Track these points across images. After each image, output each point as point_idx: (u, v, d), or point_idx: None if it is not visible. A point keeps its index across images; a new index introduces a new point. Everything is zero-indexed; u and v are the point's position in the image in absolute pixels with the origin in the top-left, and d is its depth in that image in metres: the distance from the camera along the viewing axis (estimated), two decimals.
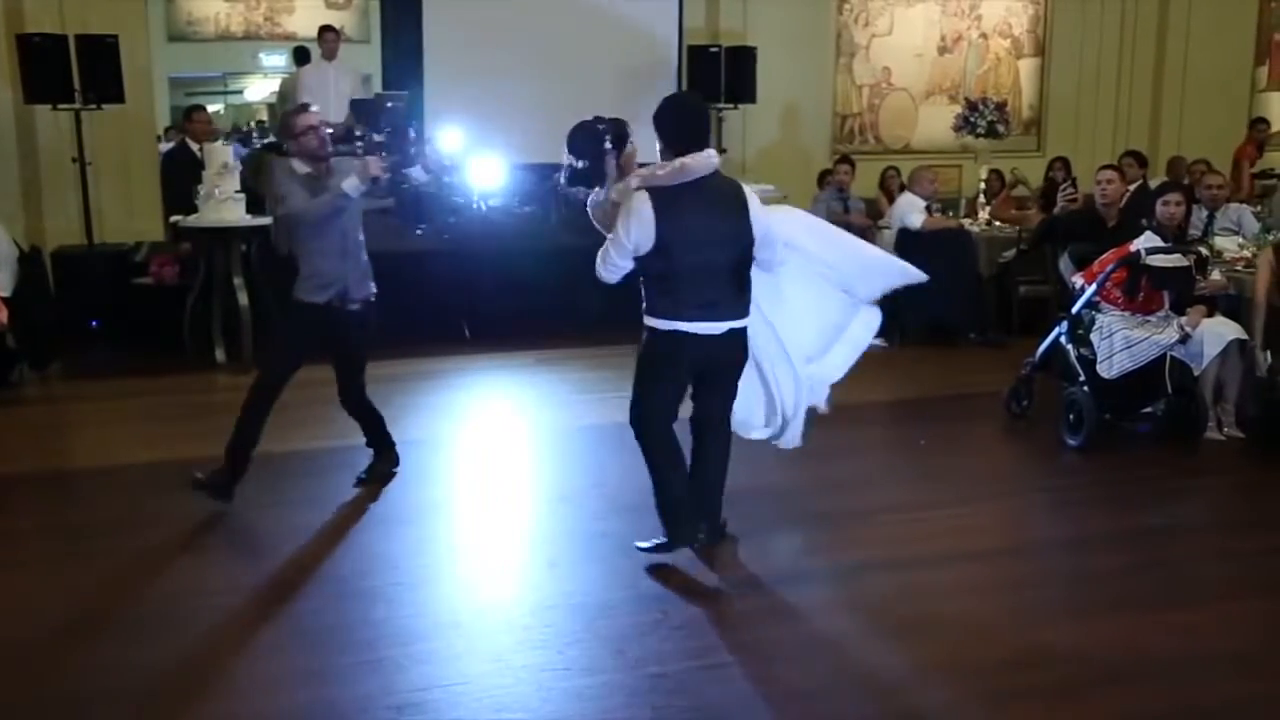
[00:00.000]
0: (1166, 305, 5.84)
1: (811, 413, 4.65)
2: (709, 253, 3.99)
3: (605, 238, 4.12)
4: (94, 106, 8.50)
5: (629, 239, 3.97)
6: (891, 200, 8.94)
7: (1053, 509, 5.19)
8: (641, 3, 10.41)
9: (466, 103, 9.88)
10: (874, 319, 4.76)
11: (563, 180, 4.39)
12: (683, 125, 4.08)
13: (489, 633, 3.79)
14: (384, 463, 5.29)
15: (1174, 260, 5.81)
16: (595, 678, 3.48)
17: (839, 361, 4.68)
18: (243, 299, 7.50)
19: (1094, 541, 4.66)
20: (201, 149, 8.23)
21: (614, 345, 6.69)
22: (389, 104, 9.68)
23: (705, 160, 3.99)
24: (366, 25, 14.23)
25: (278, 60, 15.09)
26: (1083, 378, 5.82)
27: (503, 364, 7.66)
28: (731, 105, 10.56)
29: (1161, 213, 5.90)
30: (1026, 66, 12.44)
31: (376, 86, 10.90)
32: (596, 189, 4.26)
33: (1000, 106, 10.26)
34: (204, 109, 9.62)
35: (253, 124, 15.25)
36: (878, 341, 8.34)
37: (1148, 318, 5.80)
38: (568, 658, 3.60)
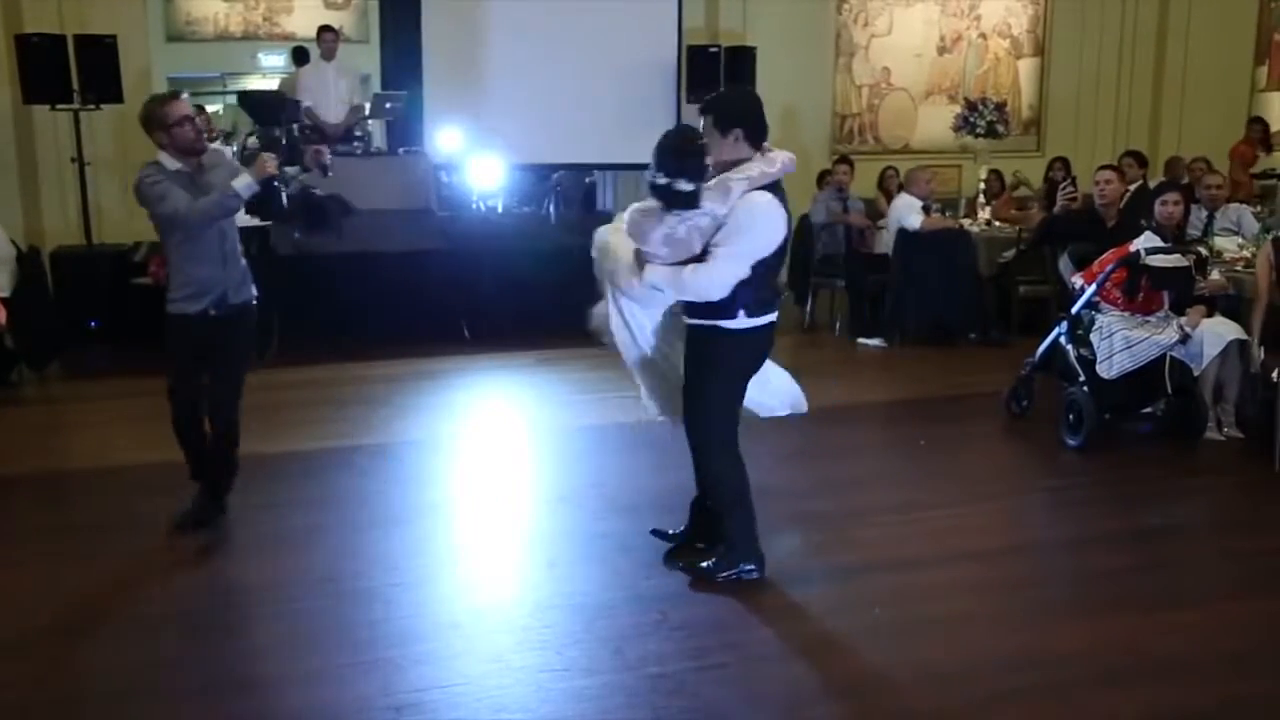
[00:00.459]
0: (1166, 305, 5.84)
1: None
2: None
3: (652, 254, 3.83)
4: (93, 107, 8.50)
5: (756, 247, 3.79)
6: (890, 200, 8.94)
7: (1053, 509, 5.19)
8: (641, 3, 10.41)
9: (466, 103, 9.89)
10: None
11: (658, 205, 3.80)
12: (761, 118, 3.97)
13: (488, 633, 3.79)
14: (202, 507, 4.64)
15: (1174, 260, 5.80)
16: (594, 678, 3.47)
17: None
18: None
19: (1094, 541, 4.66)
20: None
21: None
22: (389, 104, 9.74)
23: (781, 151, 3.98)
24: (365, 25, 14.22)
25: (276, 60, 15.06)
26: (1082, 378, 5.81)
27: (503, 364, 7.66)
28: None
29: (1160, 213, 5.90)
30: (1026, 66, 12.44)
31: (376, 87, 10.90)
32: (685, 212, 3.78)
33: (1000, 107, 10.28)
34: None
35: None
36: (877, 341, 8.46)
37: (1147, 318, 5.79)
38: (567, 658, 3.59)
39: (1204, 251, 6.21)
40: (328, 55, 9.45)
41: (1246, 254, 6.66)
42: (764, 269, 3.87)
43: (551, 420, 6.41)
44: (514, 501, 5.13)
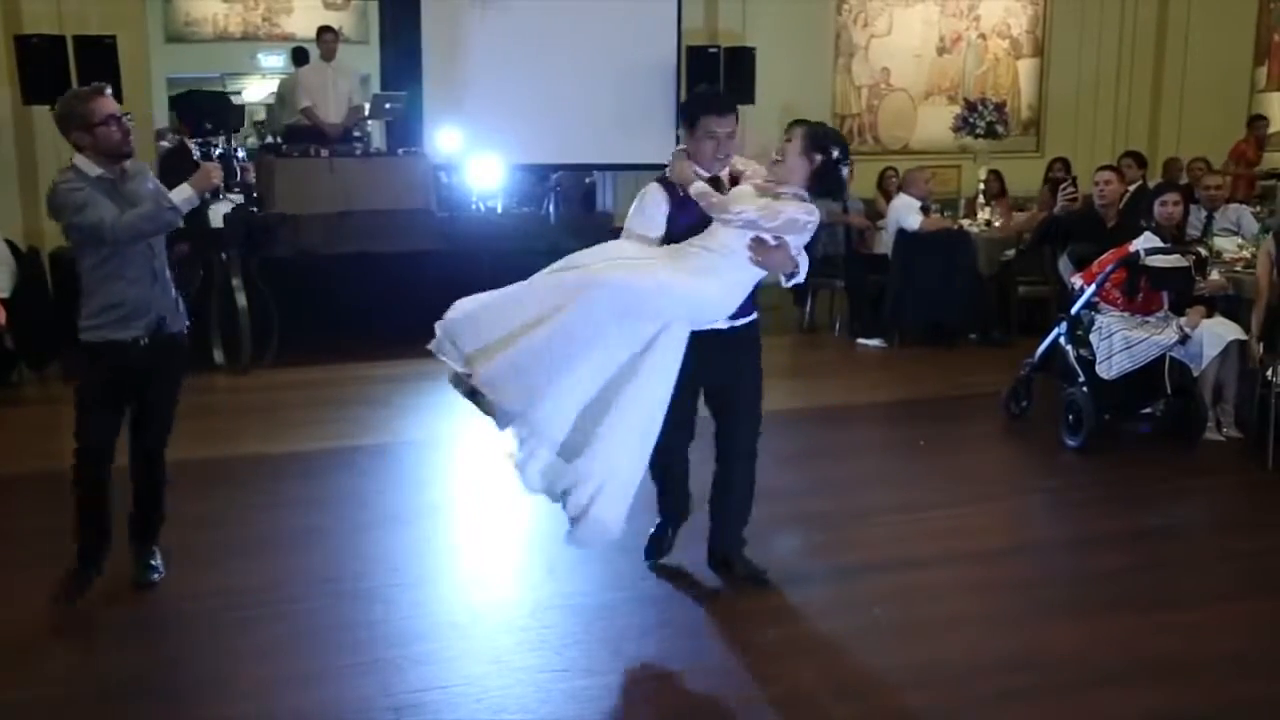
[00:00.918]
0: (1166, 306, 5.84)
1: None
2: None
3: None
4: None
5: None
6: (890, 201, 8.94)
7: (1052, 509, 5.19)
8: (640, 3, 10.40)
9: (465, 103, 9.88)
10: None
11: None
12: None
13: (488, 634, 3.79)
14: (143, 568, 4.11)
15: (1173, 261, 5.80)
16: (594, 679, 3.47)
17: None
18: (241, 300, 7.49)
19: (1094, 541, 4.66)
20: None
21: None
22: (388, 104, 9.74)
23: None
24: (365, 26, 14.21)
25: (276, 61, 15.05)
26: (1082, 378, 5.81)
27: None
28: None
29: (1159, 213, 5.90)
30: (1025, 67, 12.44)
31: (375, 87, 10.90)
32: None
33: (999, 107, 10.27)
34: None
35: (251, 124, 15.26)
36: (877, 342, 8.46)
37: (1147, 318, 5.79)
38: (566, 659, 3.59)
39: (1203, 252, 6.21)
40: (327, 56, 9.44)
41: (1246, 254, 6.66)
42: None
43: None
44: (513, 502, 5.12)
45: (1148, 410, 5.89)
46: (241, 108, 9.12)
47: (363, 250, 8.18)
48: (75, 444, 3.89)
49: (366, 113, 9.70)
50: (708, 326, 3.76)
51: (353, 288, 8.05)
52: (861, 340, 8.44)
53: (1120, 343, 5.66)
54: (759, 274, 3.73)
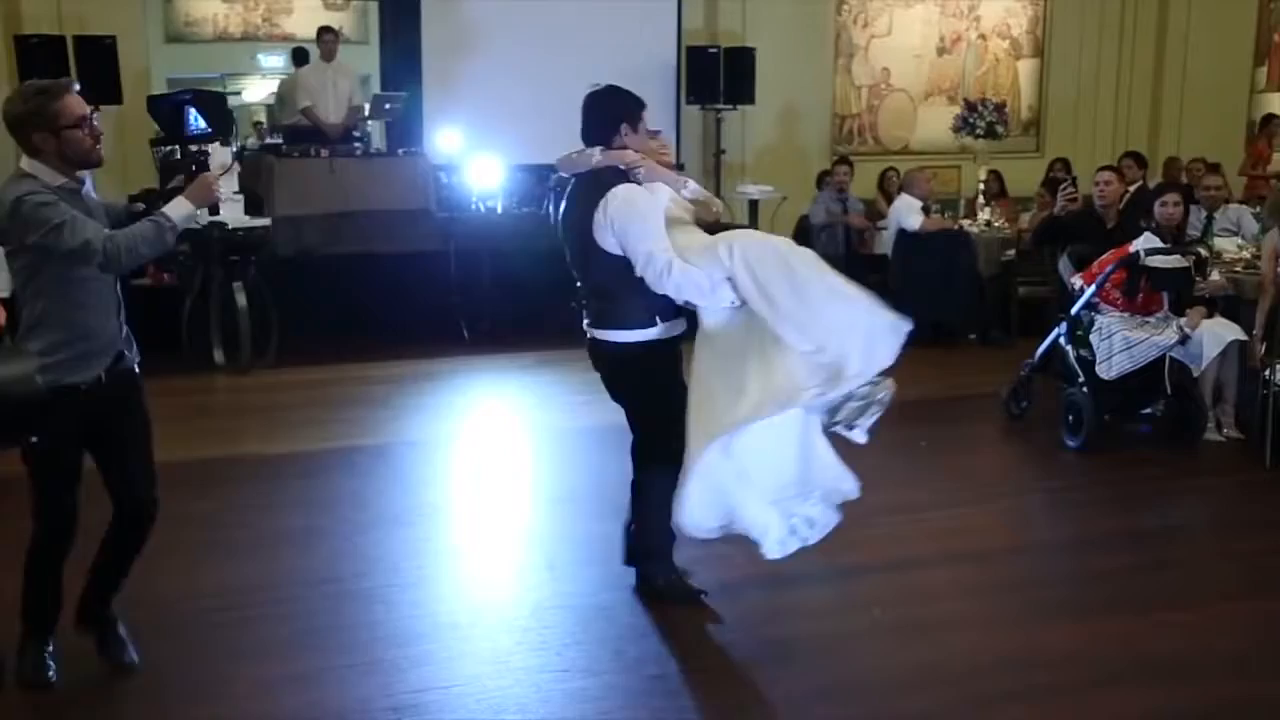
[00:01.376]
0: (1166, 306, 5.84)
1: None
2: None
3: None
4: (92, 108, 8.47)
5: None
6: (890, 201, 8.94)
7: (1053, 509, 5.19)
8: (641, 3, 10.40)
9: (465, 103, 9.87)
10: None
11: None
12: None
13: (487, 634, 3.79)
14: (116, 649, 3.51)
15: (1173, 261, 5.80)
16: (594, 679, 3.47)
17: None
18: (241, 301, 7.49)
19: (1094, 541, 4.66)
20: None
21: None
22: (388, 104, 9.74)
23: None
24: (365, 26, 14.19)
25: (276, 61, 15.05)
26: (1082, 379, 5.81)
27: (502, 365, 7.65)
28: (730, 106, 10.55)
29: (1159, 213, 5.90)
30: (1025, 67, 12.43)
31: (375, 88, 10.89)
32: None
33: (999, 107, 10.26)
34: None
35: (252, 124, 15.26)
36: None
37: (1147, 319, 5.79)
38: (566, 659, 3.59)
39: (1203, 252, 6.21)
40: (327, 56, 9.44)
41: (1246, 255, 6.66)
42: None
43: (551, 421, 6.40)
44: (513, 502, 5.13)
45: (1148, 411, 5.89)
46: (230, 112, 9.11)
47: (363, 250, 8.18)
48: (36, 525, 3.36)
49: (366, 113, 9.70)
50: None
51: (353, 288, 8.06)
52: None
53: (1120, 343, 5.66)
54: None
